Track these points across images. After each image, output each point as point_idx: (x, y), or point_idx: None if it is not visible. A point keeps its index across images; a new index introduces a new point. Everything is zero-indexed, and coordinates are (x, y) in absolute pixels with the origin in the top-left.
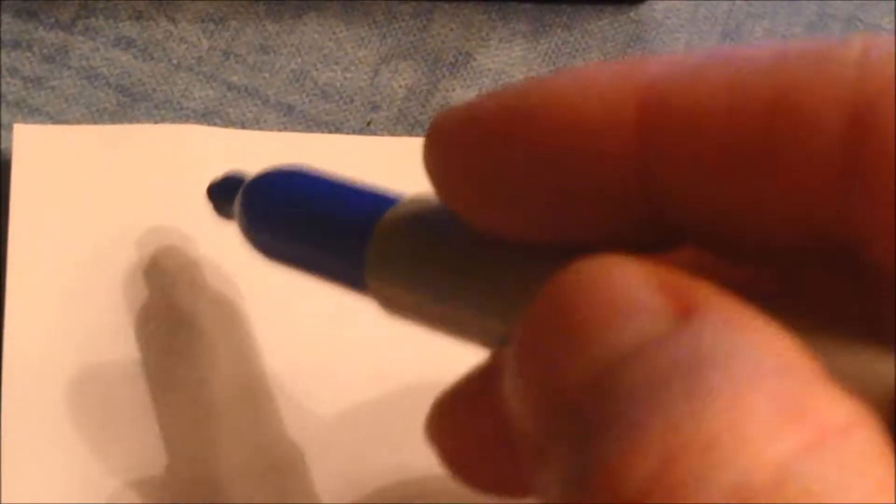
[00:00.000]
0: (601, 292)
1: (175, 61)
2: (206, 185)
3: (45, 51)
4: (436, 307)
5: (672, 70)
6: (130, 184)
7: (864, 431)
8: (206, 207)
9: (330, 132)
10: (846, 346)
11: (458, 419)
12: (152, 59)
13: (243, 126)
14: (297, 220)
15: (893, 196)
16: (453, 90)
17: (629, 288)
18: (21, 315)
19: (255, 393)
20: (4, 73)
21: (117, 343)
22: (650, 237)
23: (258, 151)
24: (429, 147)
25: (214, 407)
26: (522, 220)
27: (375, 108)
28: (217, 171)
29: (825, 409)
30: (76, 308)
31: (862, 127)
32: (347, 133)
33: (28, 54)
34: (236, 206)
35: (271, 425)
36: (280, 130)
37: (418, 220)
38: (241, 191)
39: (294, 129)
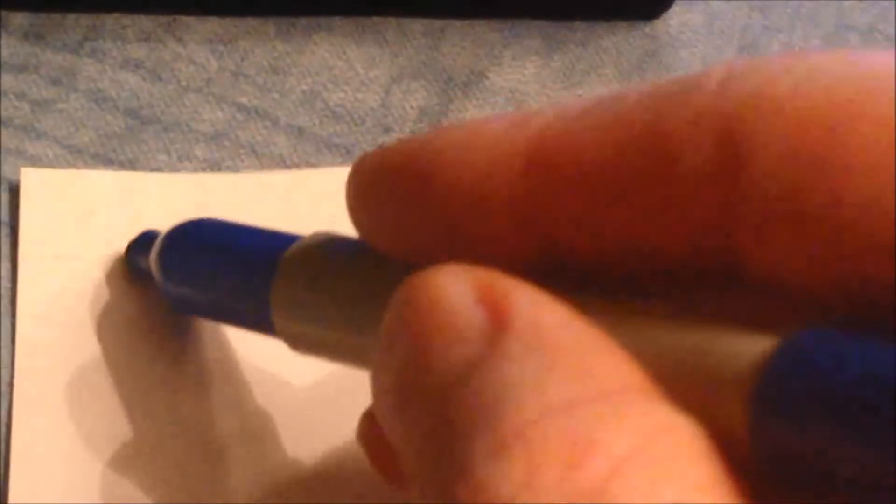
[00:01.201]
0: (430, 309)
1: (184, 83)
2: None
3: (52, 73)
4: (337, 337)
5: (556, 120)
6: (138, 230)
7: (670, 440)
8: None
9: (341, 155)
10: (703, 328)
11: (376, 429)
12: (161, 80)
13: (253, 149)
14: (207, 266)
15: (768, 202)
16: (466, 110)
17: (453, 304)
18: (32, 356)
19: (259, 429)
20: (11, 96)
21: (123, 379)
22: (540, 268)
23: (262, 196)
24: (348, 185)
25: (217, 441)
26: (423, 252)
27: (387, 129)
28: (223, 217)
29: (616, 433)
30: (84, 351)
31: (729, 142)
32: (358, 155)
33: (35, 77)
34: (152, 260)
35: (276, 460)
36: (290, 153)
37: (316, 254)
38: (155, 245)
39: (304, 152)
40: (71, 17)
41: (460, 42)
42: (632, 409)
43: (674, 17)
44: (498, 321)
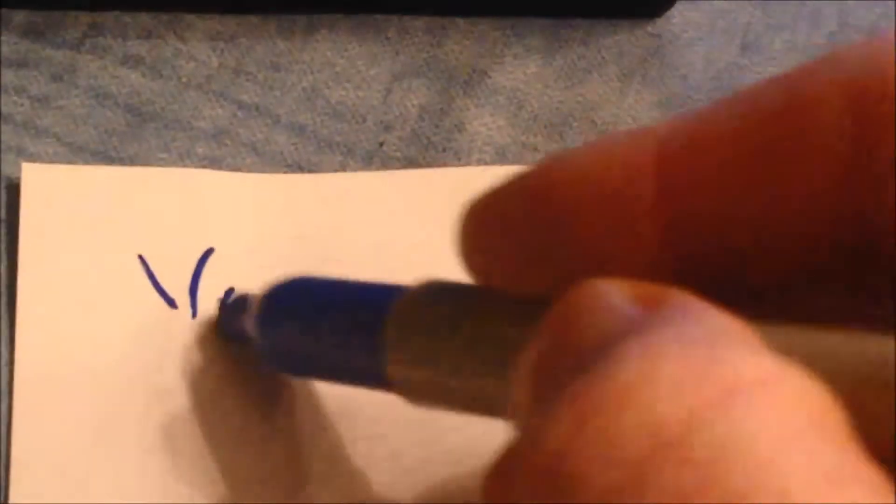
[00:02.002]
0: (585, 304)
1: (185, 80)
2: (213, 229)
3: (52, 70)
4: (457, 381)
5: (681, 121)
6: (139, 229)
7: (785, 383)
8: (217, 254)
9: (341, 153)
10: (822, 334)
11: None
12: (161, 77)
13: (253, 147)
14: (313, 323)
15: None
16: (468, 109)
17: (611, 297)
18: (32, 357)
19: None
20: (11, 92)
21: (127, 377)
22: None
23: (263, 195)
24: (461, 227)
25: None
26: (551, 279)
27: (388, 128)
28: (227, 217)
29: (739, 365)
30: (85, 351)
31: (862, 114)
32: (359, 154)
33: (35, 73)
34: (250, 322)
35: None
36: (291, 151)
37: (429, 300)
38: (252, 305)
39: (305, 150)
40: (71, 14)
41: (462, 40)
42: (757, 349)
43: (676, 16)
44: (650, 308)
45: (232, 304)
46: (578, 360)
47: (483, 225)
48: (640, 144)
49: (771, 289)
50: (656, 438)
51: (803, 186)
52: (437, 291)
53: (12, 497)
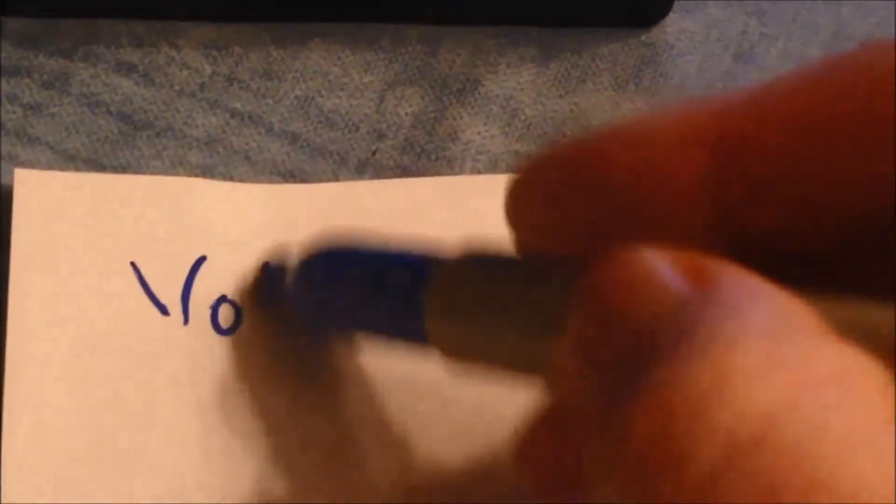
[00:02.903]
0: (634, 275)
1: (177, 87)
2: (205, 237)
3: (45, 78)
4: (495, 341)
5: (740, 93)
6: (132, 236)
7: (859, 377)
8: (209, 262)
9: (335, 162)
10: (868, 309)
11: (537, 447)
12: (154, 85)
13: (246, 155)
14: (355, 280)
15: None
16: (461, 117)
17: (657, 269)
18: (24, 362)
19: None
20: (4, 100)
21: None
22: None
23: (255, 204)
24: (510, 186)
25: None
26: (596, 244)
27: (381, 136)
28: (219, 225)
29: (816, 357)
30: (77, 357)
31: None
32: (352, 163)
33: (28, 81)
34: (289, 280)
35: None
36: (284, 160)
37: (471, 260)
38: (293, 265)
39: (298, 159)
40: (64, 22)
41: (456, 49)
42: (830, 339)
43: (671, 25)
44: (701, 284)
45: (271, 267)
46: (633, 336)
47: (532, 190)
48: (696, 115)
49: (821, 263)
50: (734, 438)
51: (869, 161)
52: (480, 253)
53: (4, 497)
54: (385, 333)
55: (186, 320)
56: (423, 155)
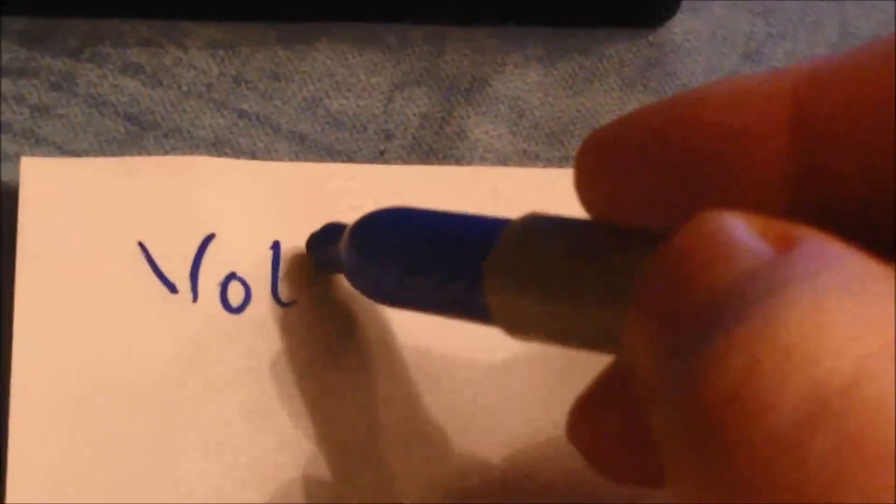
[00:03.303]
0: (714, 238)
1: (185, 88)
2: (214, 215)
3: (51, 78)
4: (560, 311)
5: (822, 61)
6: (139, 216)
7: None
8: (217, 240)
9: (342, 162)
10: None
11: (595, 420)
12: (161, 85)
13: (254, 156)
14: (410, 251)
15: None
16: (468, 117)
17: (738, 233)
18: (30, 351)
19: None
20: (10, 101)
21: (126, 365)
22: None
23: (267, 182)
24: (580, 154)
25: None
26: (672, 213)
27: (389, 136)
28: (227, 203)
29: None
30: (84, 340)
31: None
32: (360, 163)
33: (35, 82)
34: (344, 249)
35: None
36: (292, 160)
37: (537, 228)
38: (348, 233)
39: (305, 159)
40: (70, 22)
41: (462, 49)
42: None
43: (678, 25)
44: (783, 245)
45: (325, 232)
46: (712, 297)
47: (604, 155)
48: (778, 83)
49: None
50: (822, 392)
51: None
52: (543, 221)
53: (9, 497)
54: (441, 309)
55: (195, 298)
56: (431, 154)
